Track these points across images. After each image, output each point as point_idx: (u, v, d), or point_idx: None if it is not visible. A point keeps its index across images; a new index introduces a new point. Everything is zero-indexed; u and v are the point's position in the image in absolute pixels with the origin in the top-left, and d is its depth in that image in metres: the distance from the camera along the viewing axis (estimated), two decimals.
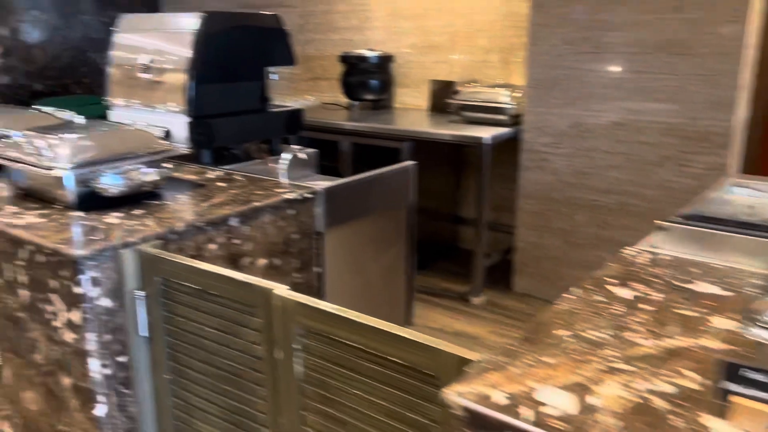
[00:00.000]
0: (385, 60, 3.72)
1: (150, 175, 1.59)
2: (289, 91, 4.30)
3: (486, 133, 2.87)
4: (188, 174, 1.88)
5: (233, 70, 2.03)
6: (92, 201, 1.53)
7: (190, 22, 1.94)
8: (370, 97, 3.77)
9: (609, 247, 2.86)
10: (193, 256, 1.44)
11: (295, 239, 1.70)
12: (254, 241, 1.59)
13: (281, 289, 1.10)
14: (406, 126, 3.23)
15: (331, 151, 3.32)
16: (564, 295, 1.02)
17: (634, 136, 2.75)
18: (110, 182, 1.53)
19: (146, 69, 2.04)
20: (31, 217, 1.46)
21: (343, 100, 3.92)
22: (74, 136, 1.55)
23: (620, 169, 2.81)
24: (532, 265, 3.10)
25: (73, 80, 4.72)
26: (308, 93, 4.22)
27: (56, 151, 1.50)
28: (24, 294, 1.40)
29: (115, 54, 2.16)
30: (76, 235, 1.33)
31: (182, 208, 1.55)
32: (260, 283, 1.11)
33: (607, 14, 2.73)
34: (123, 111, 2.15)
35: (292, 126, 2.27)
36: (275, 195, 1.66)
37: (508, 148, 3.18)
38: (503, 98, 3.04)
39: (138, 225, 1.40)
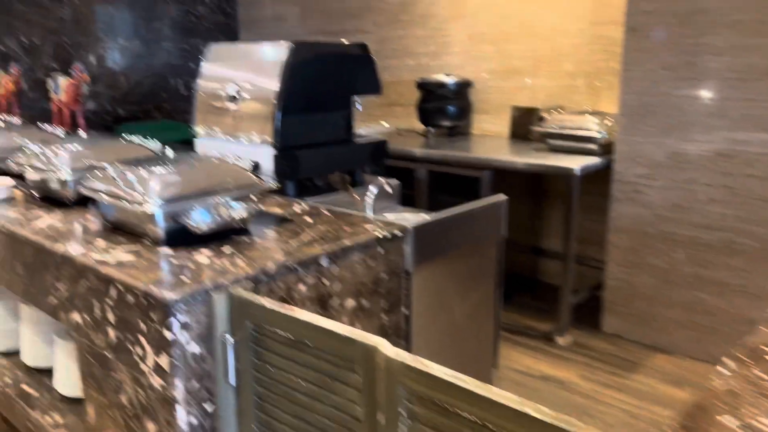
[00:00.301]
0: (464, 86, 3.62)
1: (239, 211, 1.54)
2: (363, 117, 4.25)
3: (576, 164, 2.72)
4: (273, 207, 1.83)
5: (320, 100, 1.98)
6: (180, 237, 1.48)
7: (277, 52, 1.90)
8: (447, 123, 3.68)
9: (711, 289, 2.64)
10: (282, 298, 1.37)
11: (383, 279, 1.61)
12: (343, 281, 1.51)
13: (386, 347, 1.00)
14: (486, 154, 3.12)
15: (406, 178, 3.24)
16: (717, 368, 0.88)
17: (741, 169, 2.54)
18: (200, 218, 1.49)
19: (232, 99, 2.01)
20: (121, 253, 1.42)
21: (419, 126, 3.84)
22: (165, 170, 1.52)
23: (724, 203, 2.59)
24: (623, 304, 2.90)
25: (154, 105, 4.85)
26: (383, 119, 4.17)
27: (146, 186, 1.46)
28: (112, 333, 1.36)
29: (201, 83, 2.15)
30: (166, 275, 1.28)
31: (271, 245, 1.48)
32: (363, 338, 1.02)
33: (710, 38, 2.54)
34: (207, 141, 2.13)
35: (377, 157, 2.20)
36: (365, 232, 1.58)
37: (595, 178, 3.02)
38: (593, 126, 2.88)
39: (228, 265, 1.34)
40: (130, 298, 1.28)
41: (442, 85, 3.59)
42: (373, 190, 1.89)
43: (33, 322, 2.06)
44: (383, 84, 4.31)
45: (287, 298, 1.38)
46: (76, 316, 1.48)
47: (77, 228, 1.64)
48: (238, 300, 1.24)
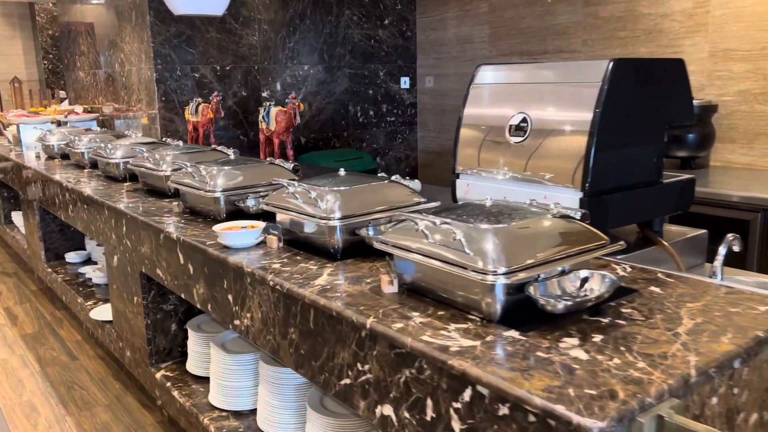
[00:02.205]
0: (707, 110, 3.09)
1: (596, 281, 1.16)
2: None
3: None
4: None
5: (635, 131, 1.58)
6: (519, 315, 1.14)
7: (590, 71, 1.53)
8: (682, 154, 3.15)
9: None
10: (695, 418, 0.97)
11: None
12: (750, 388, 1.08)
13: None
14: (752, 190, 2.57)
15: None
16: None
17: None
18: (551, 292, 1.13)
19: (517, 130, 1.66)
20: (455, 335, 1.09)
21: None
22: (492, 225, 1.17)
23: None
24: None
25: (333, 133, 4.70)
26: None
27: (482, 248, 1.13)
28: None
29: (468, 111, 1.83)
30: (560, 381, 0.92)
31: (653, 334, 1.09)
32: None
33: None
34: (476, 180, 1.80)
35: (684, 200, 1.76)
36: (760, 314, 1.15)
37: None
38: None
39: (628, 367, 0.95)
40: (501, 409, 0.93)
41: None
42: (721, 250, 1.45)
43: (275, 383, 1.81)
44: None
45: (699, 418, 0.98)
46: (386, 410, 1.17)
47: (367, 290, 1.34)
48: (675, 430, 0.85)
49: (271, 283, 1.45)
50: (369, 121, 4.86)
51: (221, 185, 2.01)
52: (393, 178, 1.77)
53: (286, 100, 2.75)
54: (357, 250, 1.59)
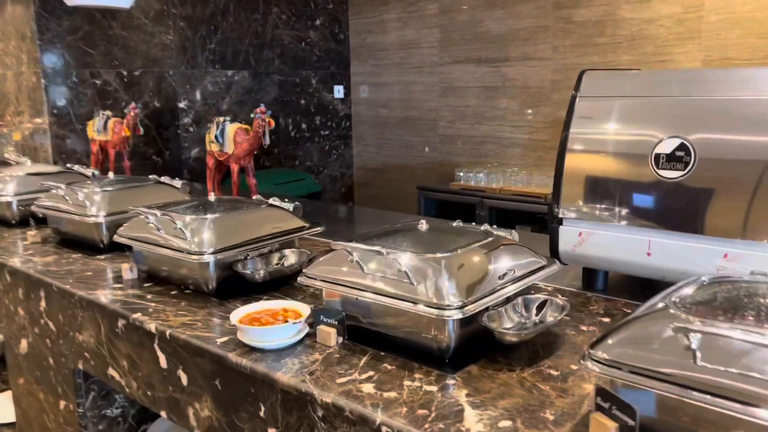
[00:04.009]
0: None
1: None
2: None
3: None
4: None
5: None
6: None
7: None
8: None
9: None
10: None
11: None
12: None
13: None
14: None
15: None
16: None
17: None
18: None
19: (671, 161, 1.20)
20: None
21: None
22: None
23: None
24: None
25: (263, 151, 4.04)
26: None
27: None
28: None
29: (577, 133, 1.34)
30: None
31: None
32: None
33: None
34: (590, 227, 1.31)
35: None
36: None
37: None
38: None
39: None
40: None
41: None
42: None
43: None
44: None
45: None
46: None
47: None
48: None
49: None
50: (302, 136, 4.24)
51: (210, 243, 1.37)
52: (493, 231, 1.24)
53: (253, 115, 2.12)
54: (467, 346, 1.05)
